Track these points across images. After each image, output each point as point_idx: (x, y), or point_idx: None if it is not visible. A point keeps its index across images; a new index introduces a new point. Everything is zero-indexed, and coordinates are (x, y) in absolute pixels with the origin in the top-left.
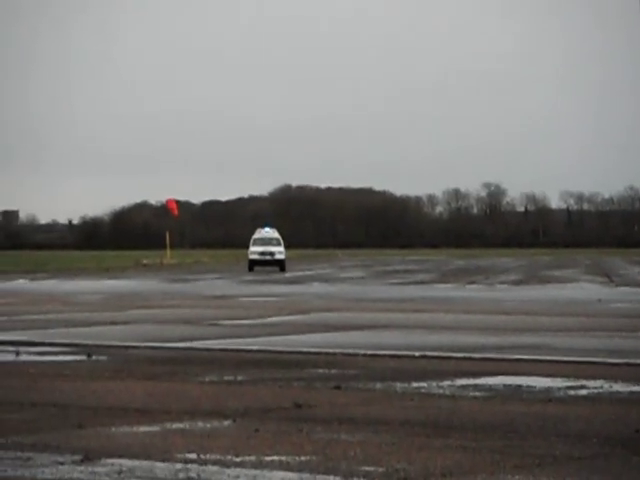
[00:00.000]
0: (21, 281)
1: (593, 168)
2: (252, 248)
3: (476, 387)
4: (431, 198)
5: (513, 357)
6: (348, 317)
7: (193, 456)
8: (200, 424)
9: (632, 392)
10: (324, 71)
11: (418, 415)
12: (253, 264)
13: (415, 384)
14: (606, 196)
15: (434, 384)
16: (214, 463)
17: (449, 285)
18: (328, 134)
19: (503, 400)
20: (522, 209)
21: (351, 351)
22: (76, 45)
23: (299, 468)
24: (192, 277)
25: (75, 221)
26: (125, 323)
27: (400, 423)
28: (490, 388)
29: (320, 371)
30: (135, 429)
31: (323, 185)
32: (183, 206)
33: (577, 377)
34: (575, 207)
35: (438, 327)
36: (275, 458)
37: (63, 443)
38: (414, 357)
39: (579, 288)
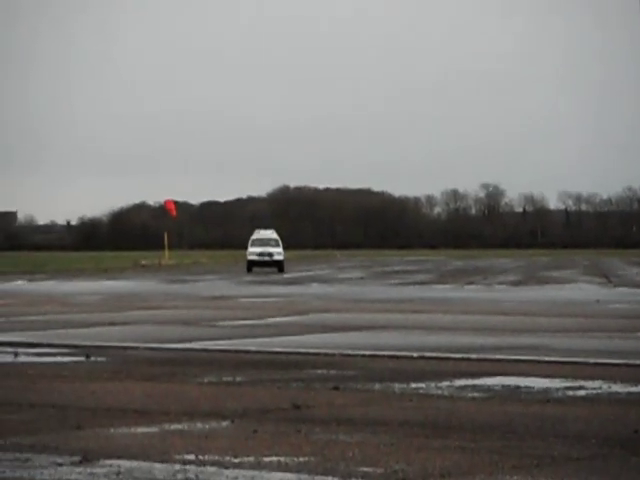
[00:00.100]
0: (19, 282)
1: (591, 169)
2: (250, 249)
3: (474, 388)
4: (429, 199)
5: (511, 358)
6: (347, 318)
7: (191, 457)
8: (199, 425)
9: (630, 393)
10: (323, 71)
11: (417, 416)
12: (251, 265)
13: (414, 385)
14: (604, 197)
15: (433, 385)
16: (212, 464)
17: (447, 286)
18: (327, 135)
19: (501, 401)
20: (520, 210)
21: (350, 352)
22: (76, 45)
23: (297, 469)
24: (191, 278)
25: (73, 222)
26: (124, 324)
27: (399, 424)
28: (488, 389)
29: (319, 372)
30: (134, 430)
31: (321, 186)
32: (181, 207)
33: (575, 378)
34: (573, 208)
35: (436, 328)
36: (274, 459)
37: (62, 444)
38: (413, 358)
39: (577, 289)
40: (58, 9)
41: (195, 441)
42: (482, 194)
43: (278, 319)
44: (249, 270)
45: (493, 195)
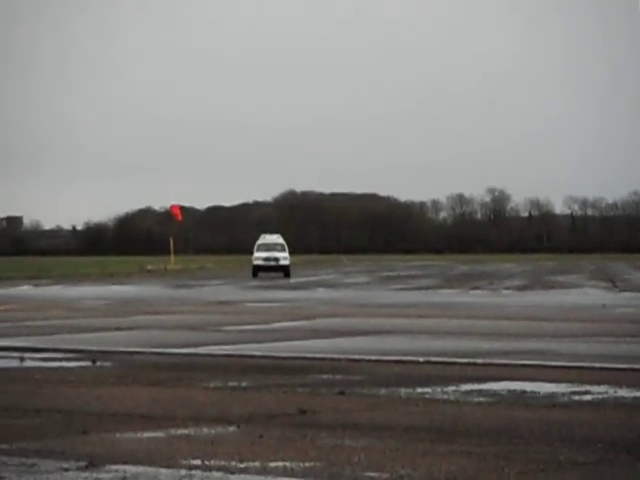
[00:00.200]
0: (25, 287)
1: (597, 173)
2: (256, 254)
3: (480, 392)
4: (435, 203)
5: (517, 362)
6: (352, 323)
7: (197, 462)
8: (205, 430)
9: (636, 397)
10: (328, 75)
11: (422, 421)
12: (257, 270)
13: (419, 390)
14: (610, 201)
15: (438, 389)
16: (218, 469)
17: (453, 291)
18: (332, 139)
19: (507, 405)
20: (526, 214)
21: (355, 357)
22: (76, 45)
23: (303, 474)
24: (196, 283)
25: (79, 227)
26: (129, 329)
27: (404, 429)
28: (494, 393)
29: (324, 377)
30: (140, 435)
31: (327, 190)
32: (187, 212)
33: (581, 382)
34: (579, 212)
35: (442, 332)
36: (279, 464)
37: (68, 449)
38: (418, 363)
39: (583, 293)
40: (58, 9)
41: (201, 446)
42: (488, 199)
43: (284, 324)
44: (255, 275)
45: (499, 200)
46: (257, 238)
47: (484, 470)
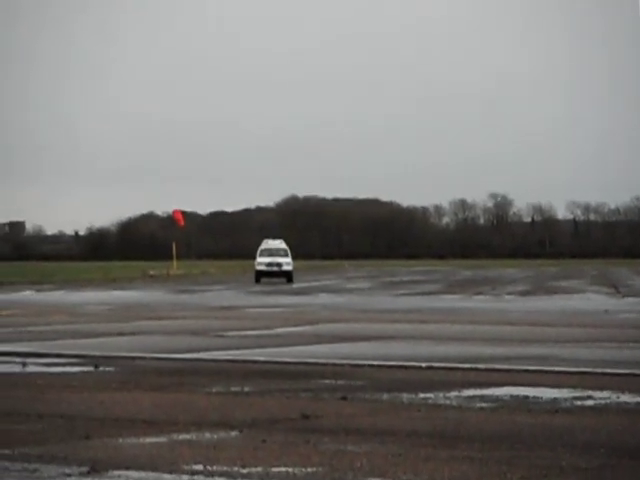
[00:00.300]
0: (28, 292)
1: (600, 179)
2: (259, 259)
3: (483, 398)
4: (438, 209)
5: (520, 368)
6: (355, 328)
7: (200, 467)
8: (207, 435)
9: (639, 403)
10: (330, 80)
11: (425, 426)
12: (260, 275)
13: (422, 395)
14: (612, 206)
15: (441, 395)
16: (221, 474)
17: (456, 296)
18: (334, 144)
19: (510, 411)
20: (529, 220)
21: (358, 362)
22: (77, 46)
23: (306, 479)
24: (199, 288)
25: (81, 232)
26: (132, 334)
27: (407, 434)
28: (497, 399)
29: (327, 382)
30: (142, 440)
31: (329, 196)
32: (189, 217)
33: (584, 388)
34: (582, 218)
35: (445, 338)
36: (282, 469)
37: (70, 454)
38: (421, 368)
39: (586, 299)
40: (58, 9)
41: (203, 451)
42: (490, 204)
43: (286, 329)
44: (257, 281)
45: (501, 205)
46: (259, 243)
47: (486, 475)
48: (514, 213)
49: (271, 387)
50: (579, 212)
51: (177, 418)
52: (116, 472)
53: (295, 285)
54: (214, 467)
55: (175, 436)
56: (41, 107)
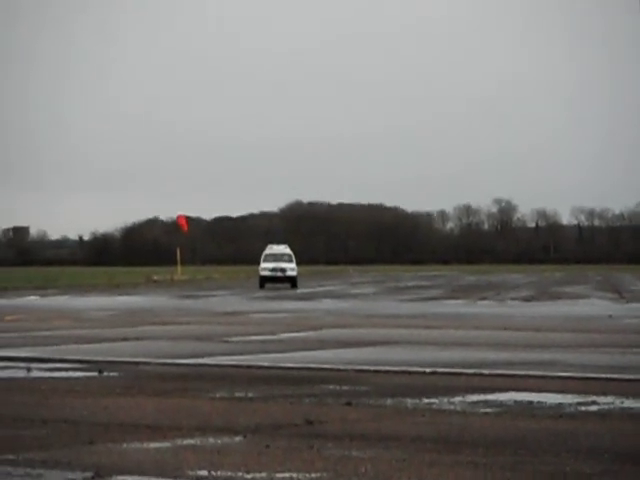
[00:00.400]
0: (32, 297)
1: (604, 184)
2: (263, 264)
3: (487, 403)
4: (442, 214)
5: (524, 373)
6: (359, 333)
7: (204, 472)
8: (211, 440)
9: None
10: (333, 87)
11: (429, 431)
12: (264, 281)
13: (426, 400)
14: (617, 212)
15: (445, 400)
16: (225, 479)
17: (460, 301)
18: (339, 150)
19: (514, 416)
20: (533, 225)
21: (362, 367)
22: (77, 46)
23: None
24: (203, 293)
25: (86, 237)
26: (136, 339)
27: (411, 439)
28: (501, 404)
29: (331, 387)
30: (146, 445)
31: (334, 201)
32: (194, 222)
33: (588, 393)
34: (586, 223)
35: (449, 343)
36: (286, 475)
37: (74, 460)
38: (425, 373)
39: (590, 304)
40: (58, 9)
41: (207, 456)
42: (495, 209)
43: (291, 335)
44: (262, 286)
45: (506, 210)
46: (264, 249)
47: None
48: (518, 218)
49: (275, 392)
50: (583, 217)
51: (181, 423)
52: (120, 477)
53: (299, 290)
54: (218, 472)
55: (179, 441)
56: (42, 110)
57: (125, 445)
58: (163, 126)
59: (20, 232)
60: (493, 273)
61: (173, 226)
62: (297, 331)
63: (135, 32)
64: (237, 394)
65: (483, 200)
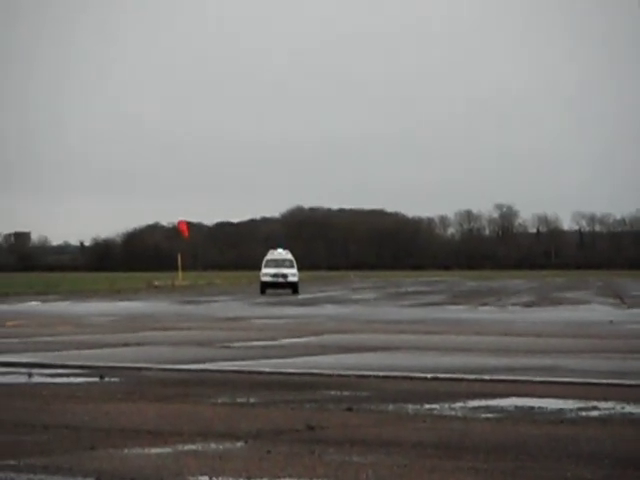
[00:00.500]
0: (33, 303)
1: (605, 189)
2: (264, 270)
3: (488, 409)
4: (443, 219)
5: (525, 379)
6: (360, 339)
7: (205, 478)
8: (212, 446)
9: None
10: (336, 93)
11: (430, 437)
12: (265, 286)
13: (427, 406)
14: (618, 217)
15: (446, 406)
16: None
17: (461, 307)
18: (340, 156)
19: (515, 421)
20: (534, 230)
21: (363, 373)
22: (77, 47)
23: None
24: (204, 299)
25: (87, 243)
26: (137, 345)
27: (412, 445)
28: (502, 409)
29: (332, 393)
30: (147, 451)
31: (335, 206)
32: (195, 228)
33: (589, 398)
34: (587, 228)
35: (450, 349)
36: None
37: (75, 465)
38: (426, 379)
39: (591, 310)
40: (58, 9)
41: (209, 462)
42: (496, 215)
43: (292, 340)
44: (263, 292)
45: (507, 216)
46: (265, 254)
47: None
48: (519, 224)
49: (276, 398)
50: (584, 223)
51: (182, 429)
52: None
53: (300, 296)
54: (219, 478)
55: (180, 447)
56: (42, 112)
57: (126, 451)
58: (163, 133)
59: (21, 237)
60: (494, 279)
61: (174, 232)
62: (298, 337)
63: (135, 32)
64: (239, 400)
65: (484, 205)
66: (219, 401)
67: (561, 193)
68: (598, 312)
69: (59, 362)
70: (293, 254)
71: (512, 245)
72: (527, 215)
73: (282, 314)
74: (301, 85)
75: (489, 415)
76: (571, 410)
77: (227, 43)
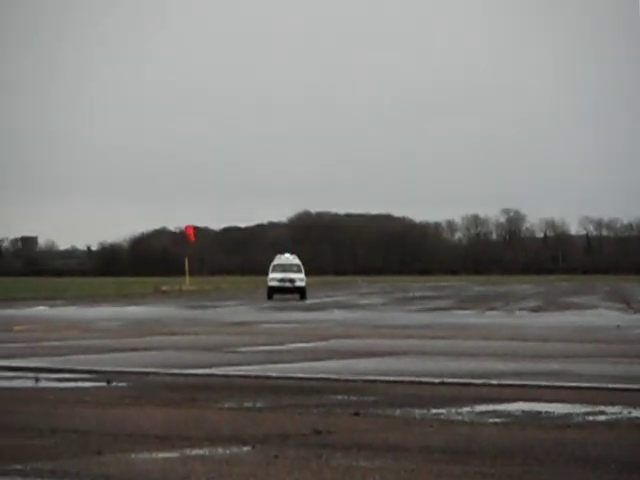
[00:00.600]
0: (40, 308)
1: (612, 194)
2: (271, 275)
3: (495, 413)
4: (450, 224)
5: (532, 383)
6: (368, 344)
7: None
8: (219, 450)
9: None
10: (340, 95)
11: (437, 441)
12: (272, 292)
13: (434, 410)
14: (625, 222)
15: (453, 410)
16: None
17: (468, 312)
18: (347, 160)
19: (522, 426)
20: (541, 235)
21: (370, 378)
22: (79, 48)
23: None
24: (211, 304)
25: (94, 247)
26: (144, 350)
27: (419, 449)
28: (509, 414)
29: (339, 397)
30: (155, 455)
31: (342, 211)
32: (202, 232)
33: (596, 403)
34: (594, 233)
35: (457, 353)
36: None
37: (83, 470)
38: (433, 384)
39: (598, 315)
40: (58, 9)
41: (216, 466)
42: (503, 219)
43: (299, 345)
44: (270, 297)
45: (514, 220)
46: (272, 259)
47: None
48: (527, 228)
49: (283, 403)
50: (592, 227)
51: (189, 433)
52: None
53: (308, 301)
54: None
55: (188, 451)
56: (58, 129)
57: (134, 455)
58: (170, 138)
59: (28, 242)
60: (501, 283)
61: (181, 236)
62: (306, 341)
63: (135, 32)
64: (245, 404)
65: (491, 210)
66: (226, 406)
67: (568, 198)
68: (605, 317)
69: (66, 367)
70: (300, 259)
71: (519, 250)
72: (534, 220)
73: (289, 319)
74: (306, 91)
75: (496, 420)
76: (578, 415)
77: (227, 43)
